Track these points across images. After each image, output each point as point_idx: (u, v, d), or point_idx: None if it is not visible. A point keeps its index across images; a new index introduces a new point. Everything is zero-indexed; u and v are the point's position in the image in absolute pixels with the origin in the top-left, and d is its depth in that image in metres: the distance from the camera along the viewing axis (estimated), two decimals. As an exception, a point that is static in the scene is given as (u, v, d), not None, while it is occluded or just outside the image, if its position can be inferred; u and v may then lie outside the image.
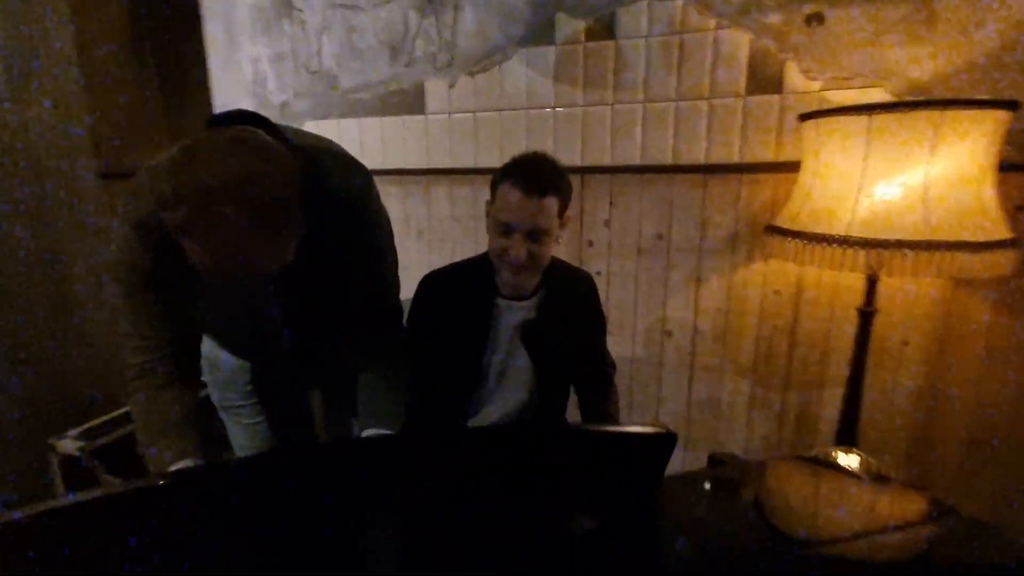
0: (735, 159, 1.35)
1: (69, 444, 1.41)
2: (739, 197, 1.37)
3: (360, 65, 1.66)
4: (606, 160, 1.46)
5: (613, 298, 1.54)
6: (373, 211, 0.92)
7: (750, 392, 1.47)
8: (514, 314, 1.02)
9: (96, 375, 1.59)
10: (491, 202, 1.02)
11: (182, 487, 0.72)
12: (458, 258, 1.16)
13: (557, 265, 1.06)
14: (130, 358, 0.88)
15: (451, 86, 1.58)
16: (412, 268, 1.12)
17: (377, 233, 0.92)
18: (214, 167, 0.66)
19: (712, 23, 1.31)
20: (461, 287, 1.04)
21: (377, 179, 0.92)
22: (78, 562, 0.57)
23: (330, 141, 0.92)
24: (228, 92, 1.85)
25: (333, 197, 0.86)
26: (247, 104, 1.81)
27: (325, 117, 1.74)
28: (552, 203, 0.94)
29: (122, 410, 1.54)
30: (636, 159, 1.43)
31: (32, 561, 0.55)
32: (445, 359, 1.02)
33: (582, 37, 1.42)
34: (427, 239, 1.71)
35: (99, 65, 1.63)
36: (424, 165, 1.67)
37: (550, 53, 1.46)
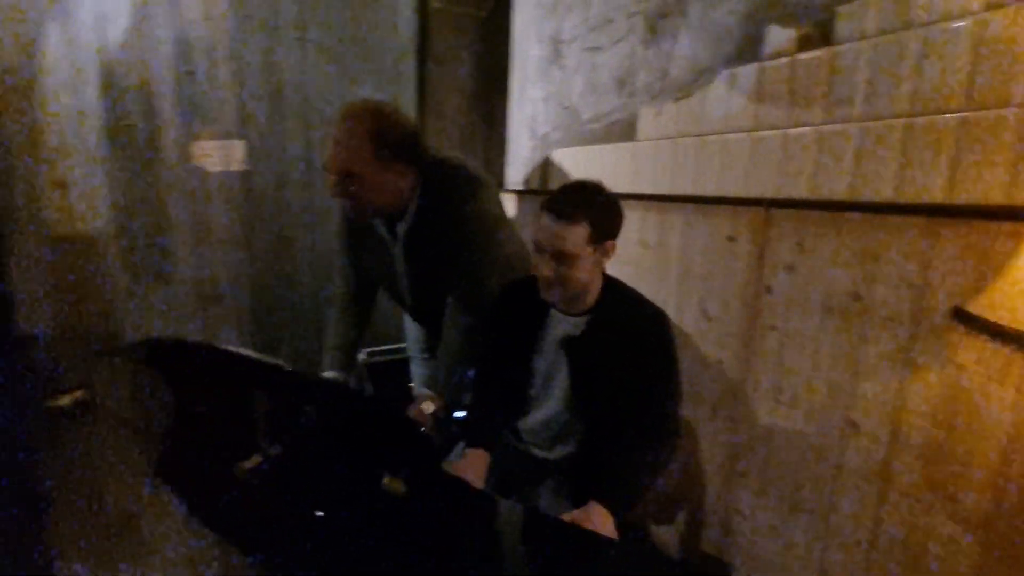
0: (993, 199, 0.90)
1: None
2: (988, 255, 0.91)
3: (596, 99, 1.84)
4: (800, 191, 1.19)
5: (786, 361, 1.24)
6: (476, 211, 1.18)
7: (979, 556, 0.94)
8: (561, 326, 1.06)
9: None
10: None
11: (318, 388, 1.07)
12: (637, 282, 1.22)
13: (621, 291, 1.03)
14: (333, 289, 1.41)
15: (658, 113, 1.58)
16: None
17: (475, 226, 1.22)
18: None
19: (977, 3, 0.91)
20: (526, 295, 1.13)
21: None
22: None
23: (463, 160, 1.24)
24: (515, 124, 2.33)
25: (449, 194, 1.16)
26: (523, 134, 2.25)
27: (569, 145, 2.00)
28: (579, 229, 0.95)
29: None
30: (840, 192, 1.12)
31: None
32: (503, 357, 1.13)
33: (793, 48, 1.21)
34: (612, 262, 1.75)
35: (444, 98, 2.35)
36: (629, 190, 1.71)
37: (753, 71, 1.29)
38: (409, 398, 1.34)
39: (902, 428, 1.04)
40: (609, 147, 1.81)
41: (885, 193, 1.04)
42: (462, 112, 2.32)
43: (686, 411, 1.55)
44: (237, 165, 1.72)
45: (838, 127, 1.12)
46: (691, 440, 1.53)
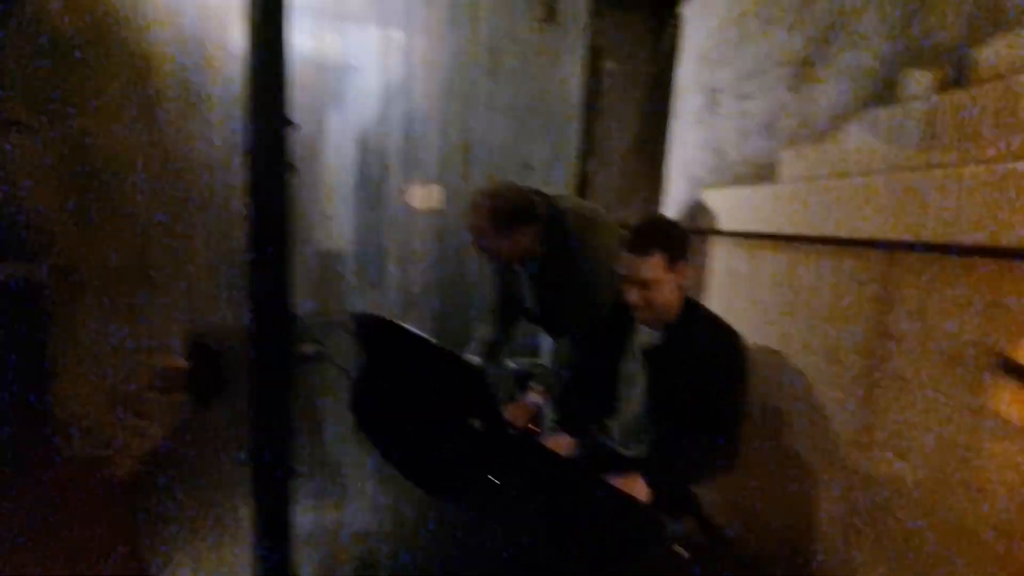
0: None
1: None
2: None
3: (744, 143, 1.91)
4: (932, 235, 1.14)
5: (908, 412, 1.17)
6: (586, 250, 1.43)
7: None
8: (645, 336, 1.22)
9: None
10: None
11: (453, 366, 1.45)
12: (766, 321, 1.40)
13: (699, 311, 1.16)
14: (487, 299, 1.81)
15: (798, 156, 1.60)
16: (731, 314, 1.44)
17: (588, 261, 1.42)
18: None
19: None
20: (622, 312, 1.31)
21: (728, 239, 1.46)
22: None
23: (583, 205, 1.51)
24: (673, 169, 2.47)
25: (566, 236, 1.45)
26: (679, 177, 2.38)
27: (720, 187, 2.08)
28: (654, 259, 1.11)
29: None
30: (973, 237, 1.06)
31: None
32: (597, 361, 1.33)
33: (930, 90, 1.18)
34: (745, 298, 1.78)
35: (611, 148, 2.63)
36: (768, 231, 1.74)
37: (890, 113, 1.27)
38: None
39: (1032, 498, 0.93)
40: (752, 189, 1.86)
41: (1021, 240, 0.97)
42: (627, 160, 2.56)
43: (804, 455, 1.51)
44: (435, 204, 2.25)
45: (973, 170, 1.07)
46: (808, 488, 1.47)
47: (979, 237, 1.04)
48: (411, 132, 2.19)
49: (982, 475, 1.02)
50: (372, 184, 2.20)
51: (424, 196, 2.24)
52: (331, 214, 2.20)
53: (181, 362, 2.01)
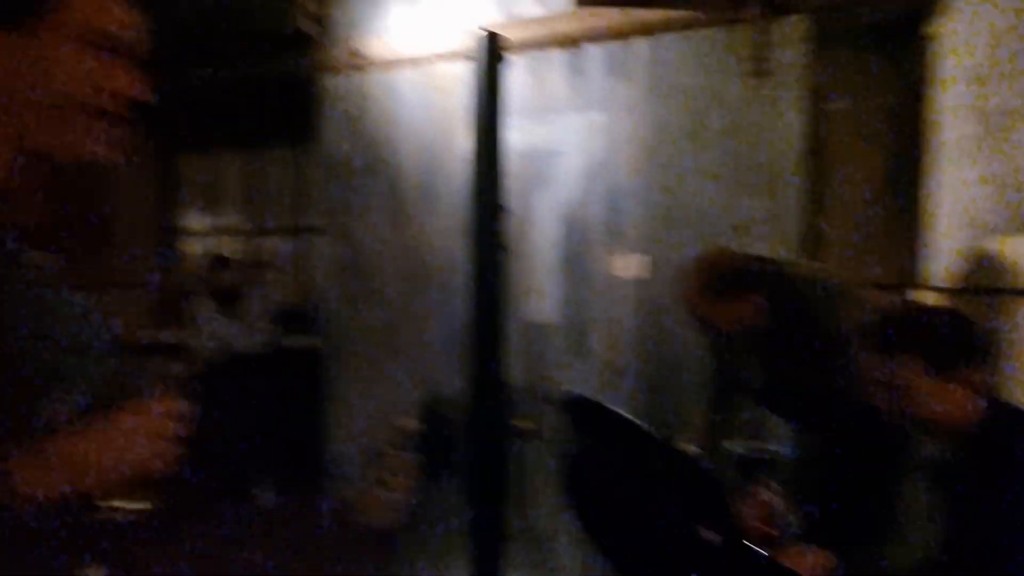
0: None
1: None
2: None
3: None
4: None
5: None
6: (824, 319, 1.21)
7: None
8: (932, 449, 0.90)
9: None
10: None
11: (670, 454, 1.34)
12: None
13: (1014, 418, 0.80)
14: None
15: None
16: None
17: (825, 334, 1.22)
18: None
19: None
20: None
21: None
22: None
23: (815, 267, 1.32)
24: (939, 212, 2.00)
25: (796, 306, 1.27)
26: (951, 222, 1.91)
27: (1006, 229, 1.61)
28: (907, 363, 0.88)
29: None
30: None
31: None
32: (863, 469, 1.05)
33: None
34: None
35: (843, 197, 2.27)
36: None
37: None
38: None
39: None
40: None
41: None
42: (866, 209, 2.18)
43: None
44: (641, 274, 2.20)
45: None
46: None
47: None
48: (614, 205, 2.22)
49: None
50: (577, 257, 2.27)
51: (628, 265, 2.21)
52: (539, 288, 2.32)
53: (416, 424, 2.26)
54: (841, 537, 1.09)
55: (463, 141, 2.22)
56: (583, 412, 1.23)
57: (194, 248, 4.50)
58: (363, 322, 2.60)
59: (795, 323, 1.32)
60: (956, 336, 0.92)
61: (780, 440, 1.70)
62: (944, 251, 1.95)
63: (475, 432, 2.03)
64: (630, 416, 1.07)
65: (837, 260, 2.10)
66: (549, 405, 1.58)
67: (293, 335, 3.46)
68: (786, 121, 2.03)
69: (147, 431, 0.58)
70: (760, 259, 1.48)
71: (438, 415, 2.19)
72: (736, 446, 1.85)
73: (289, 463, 2.88)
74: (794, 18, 1.92)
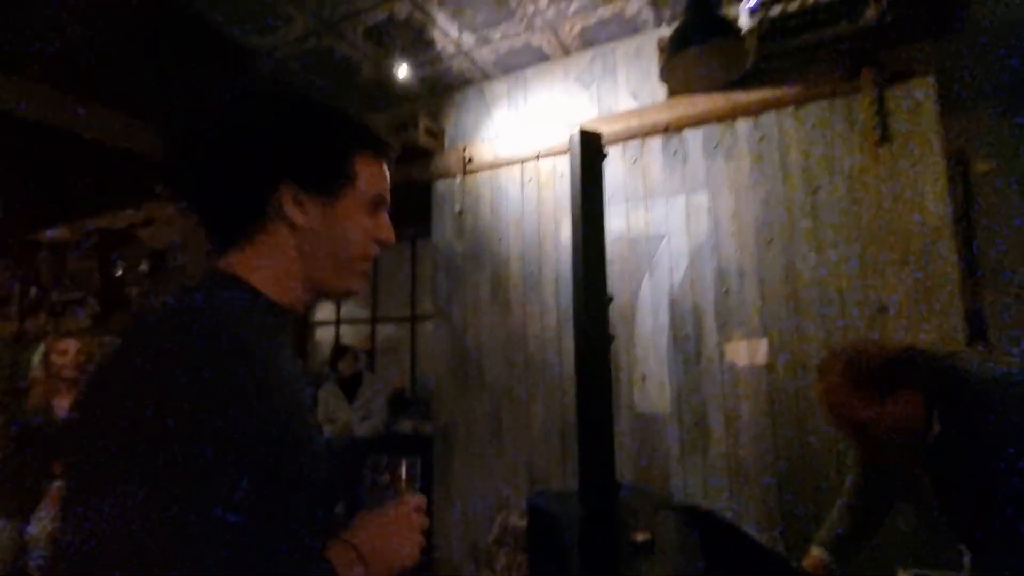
0: None
1: None
2: None
3: None
4: None
5: None
6: (1009, 422, 0.99)
7: None
8: None
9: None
10: None
11: None
12: None
13: None
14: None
15: None
16: None
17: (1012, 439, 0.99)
18: None
19: None
20: None
21: None
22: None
23: (996, 363, 1.11)
24: None
25: (965, 403, 1.07)
26: None
27: None
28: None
29: None
30: None
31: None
32: None
33: None
34: None
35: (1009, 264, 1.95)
36: None
37: None
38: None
39: None
40: None
41: None
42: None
43: None
44: (761, 360, 2.01)
45: None
46: None
47: None
48: (726, 287, 2.10)
49: None
50: (688, 343, 2.15)
51: (748, 351, 2.04)
52: (649, 374, 2.21)
53: (522, 520, 2.17)
54: None
55: (566, 232, 2.29)
56: (705, 527, 1.09)
57: (323, 337, 4.97)
58: (471, 410, 2.63)
59: (975, 428, 1.09)
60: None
61: (950, 565, 1.37)
62: None
63: (584, 533, 1.90)
64: (760, 542, 0.92)
65: (1013, 345, 1.77)
66: (667, 514, 1.43)
67: (405, 421, 3.59)
68: (922, 189, 1.84)
69: (413, 525, 0.67)
70: (917, 352, 1.26)
71: (544, 512, 2.08)
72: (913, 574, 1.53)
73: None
74: (916, 82, 1.79)
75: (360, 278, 0.72)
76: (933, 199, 1.81)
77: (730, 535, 1.02)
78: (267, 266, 0.66)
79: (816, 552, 1.38)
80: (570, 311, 2.28)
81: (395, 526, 0.65)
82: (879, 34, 1.82)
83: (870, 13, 1.85)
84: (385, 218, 0.74)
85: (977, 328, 1.82)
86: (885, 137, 1.81)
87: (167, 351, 0.51)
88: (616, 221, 2.32)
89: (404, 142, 2.87)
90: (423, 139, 2.85)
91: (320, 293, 0.71)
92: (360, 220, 0.70)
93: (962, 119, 2.06)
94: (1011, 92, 2.12)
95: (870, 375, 1.17)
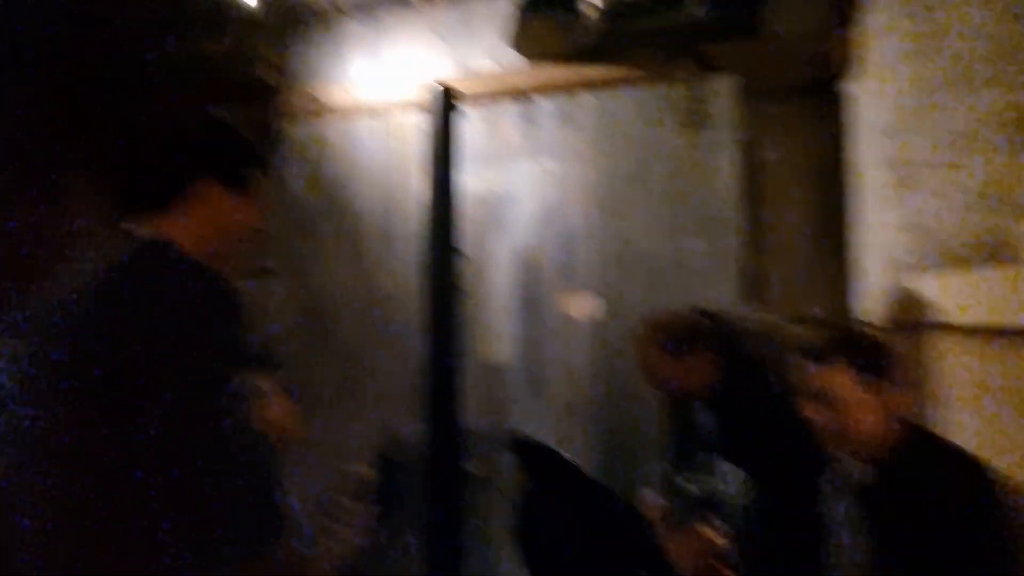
0: None
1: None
2: None
3: (956, 217, 1.59)
4: None
5: None
6: (770, 370, 1.29)
7: None
8: (853, 471, 0.97)
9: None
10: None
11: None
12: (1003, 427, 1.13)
13: (927, 442, 0.89)
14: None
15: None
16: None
17: (773, 385, 1.29)
18: None
19: None
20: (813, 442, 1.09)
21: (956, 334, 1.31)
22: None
23: (758, 320, 1.38)
24: (866, 255, 2.14)
25: (745, 359, 1.34)
26: (876, 264, 2.05)
27: (931, 271, 1.74)
28: (840, 372, 0.92)
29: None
30: None
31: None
32: (795, 503, 1.09)
33: None
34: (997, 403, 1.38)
35: (779, 240, 2.40)
36: (1014, 323, 1.36)
37: None
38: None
39: None
40: (985, 273, 1.50)
41: None
42: (801, 254, 2.32)
43: None
44: (594, 315, 2.26)
45: None
46: None
47: None
48: (569, 248, 2.30)
49: None
50: (534, 300, 2.31)
51: (582, 306, 2.27)
52: (497, 330, 2.34)
53: (372, 472, 2.21)
54: (776, 567, 1.13)
55: (420, 187, 2.28)
56: (530, 455, 1.24)
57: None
58: (318, 366, 2.56)
59: (747, 376, 1.38)
60: (880, 354, 1.01)
61: (730, 481, 1.74)
62: (872, 291, 2.08)
63: (431, 479, 2.00)
64: (574, 459, 1.09)
65: (779, 306, 2.22)
66: (503, 449, 1.59)
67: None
68: (723, 170, 2.18)
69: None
70: (709, 315, 1.53)
71: (393, 462, 2.15)
72: (691, 487, 1.88)
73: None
74: (722, 75, 2.09)
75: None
76: (730, 179, 2.16)
77: (551, 460, 1.17)
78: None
79: (650, 496, 1.63)
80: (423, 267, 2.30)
81: None
82: (700, 29, 2.07)
83: (696, 8, 2.08)
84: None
85: (751, 290, 2.24)
86: (696, 122, 2.10)
87: None
88: (469, 179, 2.37)
89: (244, 76, 2.58)
90: (265, 72, 2.58)
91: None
92: (253, 210, 0.95)
93: (759, 111, 2.46)
94: (800, 92, 2.57)
95: (671, 339, 1.40)
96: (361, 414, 2.40)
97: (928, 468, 0.94)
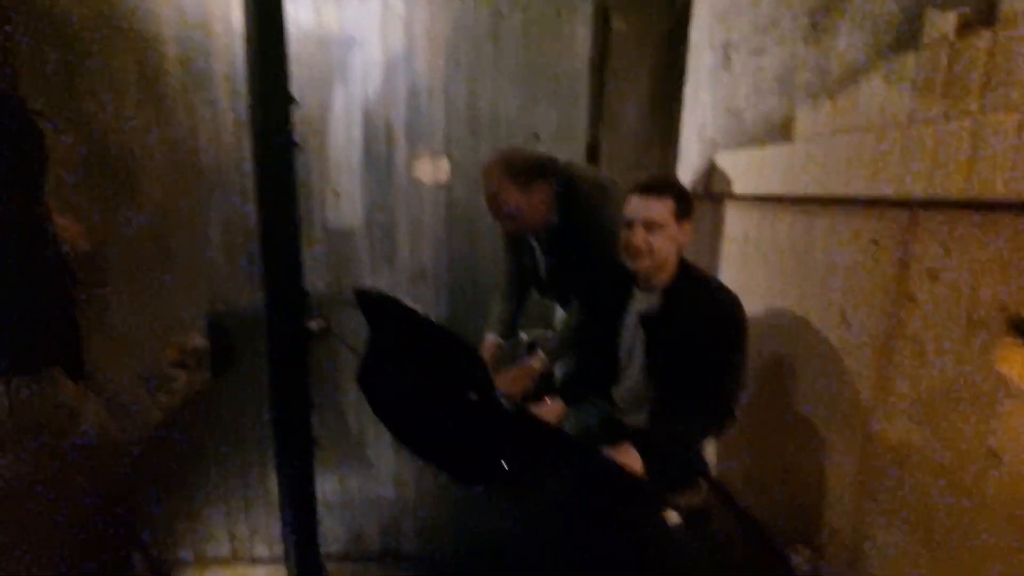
0: None
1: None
2: None
3: (758, 101, 1.82)
4: (951, 191, 1.08)
5: (926, 376, 1.13)
6: (600, 215, 1.41)
7: None
8: (641, 304, 1.22)
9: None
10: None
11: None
12: (781, 286, 1.37)
13: (698, 275, 1.15)
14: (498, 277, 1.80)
15: (815, 112, 1.53)
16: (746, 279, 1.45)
17: (600, 228, 1.42)
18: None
19: None
20: (620, 277, 1.31)
21: (744, 203, 1.41)
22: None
23: (594, 172, 1.49)
24: (686, 131, 2.39)
25: (578, 202, 1.44)
26: (692, 139, 2.30)
27: (733, 148, 2.01)
28: (666, 203, 1.11)
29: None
30: (995, 191, 0.99)
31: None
32: (599, 330, 1.33)
33: (952, 34, 1.10)
34: (759, 263, 1.74)
35: (621, 112, 2.55)
36: (784, 192, 1.68)
37: (909, 61, 1.19)
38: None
39: (1049, 462, 0.90)
40: (767, 149, 1.79)
41: (1045, 191, 0.91)
42: (639, 124, 2.48)
43: (818, 420, 1.48)
44: (443, 178, 2.23)
45: (996, 118, 1.00)
46: (822, 451, 1.45)
47: (1001, 192, 0.98)
48: (416, 105, 2.16)
49: (996, 440, 0.98)
50: (379, 159, 2.19)
51: (432, 170, 2.22)
52: (340, 191, 2.21)
53: (202, 341, 2.07)
54: (580, 389, 1.39)
55: (239, 15, 1.90)
56: (371, 304, 1.26)
57: None
58: (125, 231, 2.20)
59: (577, 220, 1.52)
60: (691, 197, 1.28)
61: (556, 319, 1.99)
62: (689, 165, 2.36)
63: (272, 342, 1.95)
64: (412, 304, 1.15)
65: (614, 171, 2.40)
66: (347, 306, 1.61)
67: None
68: (576, 33, 2.17)
69: None
70: (551, 159, 1.64)
71: (222, 329, 2.03)
72: (524, 332, 2.10)
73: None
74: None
75: None
76: (580, 49, 2.17)
77: (392, 307, 1.21)
78: None
79: (490, 338, 1.78)
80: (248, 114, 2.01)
81: None
82: None
83: None
84: None
85: (593, 156, 2.39)
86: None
87: None
88: (303, 14, 2.04)
89: None
90: None
91: None
92: None
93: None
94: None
95: (518, 168, 1.46)
96: (189, 281, 2.17)
97: (697, 298, 1.21)
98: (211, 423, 2.18)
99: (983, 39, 1.03)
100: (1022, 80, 0.95)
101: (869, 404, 1.30)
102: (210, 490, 2.30)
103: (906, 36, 1.23)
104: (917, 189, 1.16)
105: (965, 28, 1.08)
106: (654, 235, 1.22)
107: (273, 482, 2.29)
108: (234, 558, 2.38)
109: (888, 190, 1.23)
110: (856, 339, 1.34)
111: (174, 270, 2.15)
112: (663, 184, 1.27)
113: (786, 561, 1.55)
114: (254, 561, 2.38)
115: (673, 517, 1.17)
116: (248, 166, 2.09)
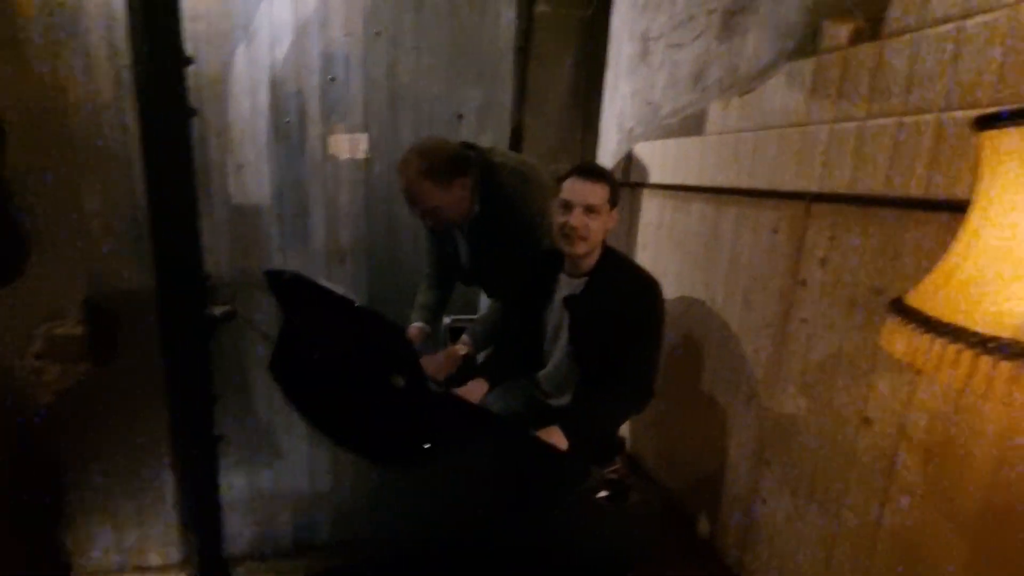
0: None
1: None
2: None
3: (674, 94, 1.91)
4: (839, 186, 1.20)
5: (813, 353, 1.26)
6: (522, 202, 1.40)
7: (968, 555, 0.93)
8: (566, 287, 1.26)
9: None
10: (558, 197, 1.30)
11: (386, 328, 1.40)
12: (691, 271, 1.40)
13: (620, 259, 1.21)
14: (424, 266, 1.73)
15: (724, 108, 1.62)
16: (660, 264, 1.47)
17: (523, 215, 1.39)
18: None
19: (1017, -5, 0.88)
20: (545, 263, 1.33)
21: (659, 192, 1.40)
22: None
23: (516, 158, 1.46)
24: (606, 120, 2.45)
25: (500, 191, 1.41)
26: (612, 129, 2.37)
27: (650, 139, 2.09)
28: (602, 188, 1.16)
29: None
30: (874, 187, 1.12)
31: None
32: (523, 315, 1.35)
33: (845, 42, 1.21)
34: (672, 249, 1.84)
35: (545, 97, 2.56)
36: (696, 183, 1.78)
37: (808, 65, 1.30)
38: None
39: (907, 427, 1.03)
40: (681, 141, 1.88)
41: (914, 189, 1.03)
42: (562, 110, 2.50)
43: (722, 396, 1.61)
44: (361, 154, 2.12)
45: (877, 122, 1.12)
46: (725, 425, 1.58)
47: (879, 188, 1.10)
48: (331, 74, 2.02)
49: (871, 407, 1.12)
50: (290, 131, 2.03)
51: (349, 146, 2.10)
52: (244, 163, 2.02)
53: (78, 329, 1.83)
54: (502, 370, 1.41)
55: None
56: (285, 286, 1.18)
57: None
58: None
59: (499, 207, 1.50)
60: (618, 184, 1.32)
61: (481, 306, 1.98)
62: (609, 154, 2.42)
63: (168, 329, 1.77)
64: (332, 287, 1.08)
65: (536, 156, 2.41)
66: (255, 287, 1.49)
67: None
68: (502, 13, 2.14)
69: None
70: (471, 146, 1.60)
71: (103, 313, 1.81)
72: (448, 318, 2.07)
73: None
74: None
75: None
76: (504, 30, 2.14)
77: (309, 290, 1.14)
78: None
79: (416, 324, 1.72)
80: (133, 71, 1.79)
81: None
82: None
83: None
84: None
85: (516, 140, 2.38)
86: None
87: None
88: (199, -38, 1.82)
89: None
90: None
91: None
92: None
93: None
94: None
95: (437, 168, 1.41)
96: (62, 262, 1.88)
97: (619, 281, 1.26)
98: (95, 419, 1.94)
99: (871, 49, 1.14)
100: (902, 88, 1.07)
101: (766, 379, 1.42)
102: (95, 493, 2.06)
103: (807, 42, 1.33)
104: (811, 184, 1.28)
105: (856, 38, 1.19)
106: (591, 219, 1.24)
107: (168, 482, 2.10)
108: (122, 570, 2.16)
109: (787, 184, 1.35)
110: (757, 321, 1.46)
111: (42, 250, 1.87)
112: (600, 170, 1.31)
113: (692, 529, 1.68)
114: (144, 571, 2.17)
115: (602, 494, 1.23)
116: (134, 130, 1.85)
